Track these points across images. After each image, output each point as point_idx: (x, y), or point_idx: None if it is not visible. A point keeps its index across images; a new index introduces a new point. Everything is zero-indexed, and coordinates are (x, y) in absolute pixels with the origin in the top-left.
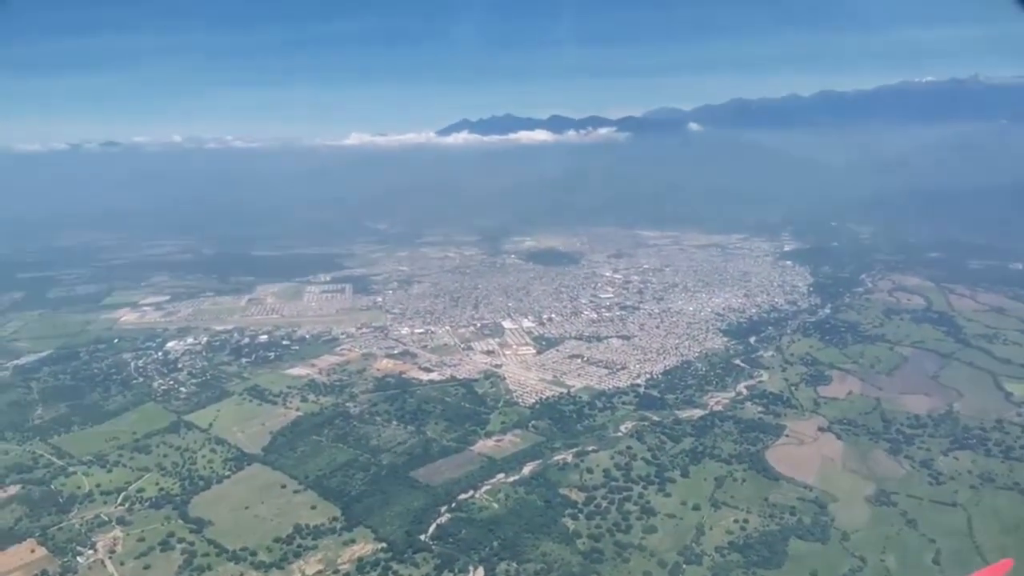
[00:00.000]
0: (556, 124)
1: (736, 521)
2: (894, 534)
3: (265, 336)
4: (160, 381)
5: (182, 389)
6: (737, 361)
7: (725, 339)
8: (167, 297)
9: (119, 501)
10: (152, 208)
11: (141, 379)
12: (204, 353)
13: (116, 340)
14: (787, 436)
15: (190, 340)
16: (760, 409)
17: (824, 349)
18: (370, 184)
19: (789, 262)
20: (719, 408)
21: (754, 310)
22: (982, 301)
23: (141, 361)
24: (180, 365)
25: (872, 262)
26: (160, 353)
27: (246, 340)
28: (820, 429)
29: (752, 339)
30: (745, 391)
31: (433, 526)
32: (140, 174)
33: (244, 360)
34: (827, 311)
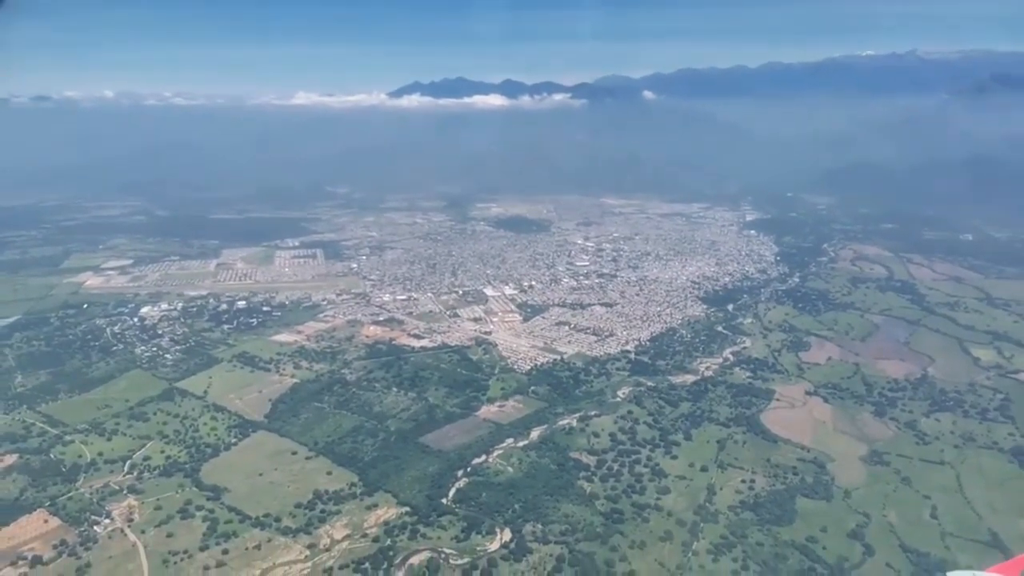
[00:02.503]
0: (510, 89)
1: (744, 481)
2: (891, 492)
3: (243, 302)
4: (142, 348)
5: (167, 356)
6: (719, 328)
7: (704, 306)
8: (130, 261)
9: (126, 470)
10: (95, 166)
11: (121, 345)
12: (182, 319)
13: (85, 305)
14: (778, 400)
15: (164, 306)
16: (749, 374)
17: (799, 316)
18: (324, 146)
19: (753, 232)
20: (710, 374)
21: (727, 278)
22: (939, 270)
23: (117, 327)
24: (160, 331)
25: (831, 232)
26: (135, 319)
27: (224, 306)
28: (807, 393)
29: (730, 306)
30: (732, 357)
31: (453, 490)
32: (78, 131)
33: (226, 326)
34: (796, 279)
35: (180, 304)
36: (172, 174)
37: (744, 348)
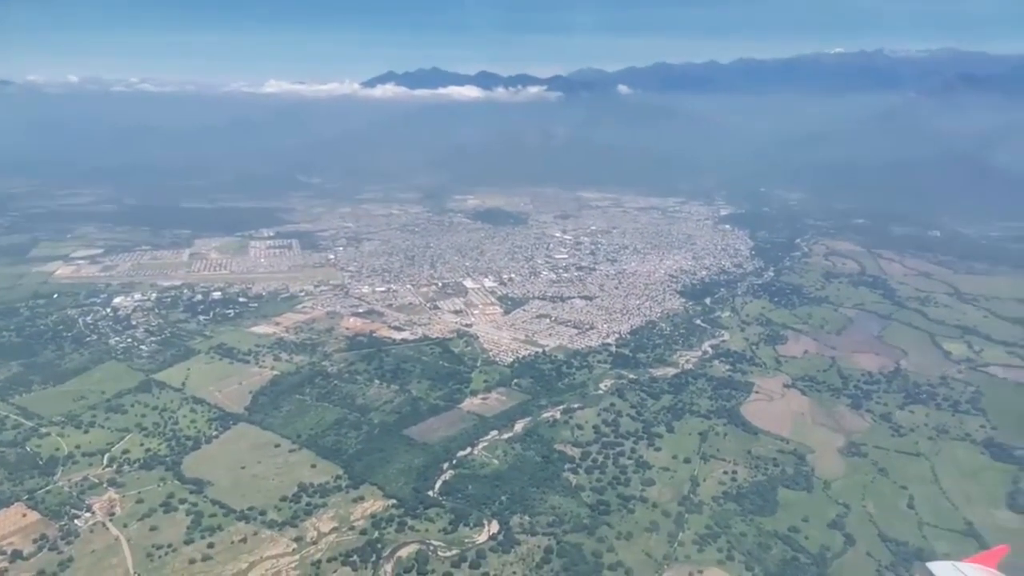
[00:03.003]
0: (485, 80)
1: (726, 473)
2: (869, 482)
3: (219, 293)
4: (117, 338)
5: (143, 347)
6: (698, 321)
7: (682, 300)
8: (100, 250)
9: (105, 463)
10: (61, 153)
11: (95, 336)
12: (156, 310)
13: (55, 295)
14: (757, 392)
15: (138, 296)
16: (728, 367)
17: (775, 310)
18: (297, 135)
19: (728, 226)
20: (690, 367)
21: (704, 272)
22: (909, 266)
23: (90, 317)
24: (134, 322)
25: (804, 227)
26: (108, 309)
27: (199, 296)
28: (785, 386)
29: (707, 300)
30: (711, 350)
31: (439, 482)
32: (42, 116)
33: (202, 317)
34: (771, 274)
35: (154, 294)
36: (141, 161)
37: (723, 341)
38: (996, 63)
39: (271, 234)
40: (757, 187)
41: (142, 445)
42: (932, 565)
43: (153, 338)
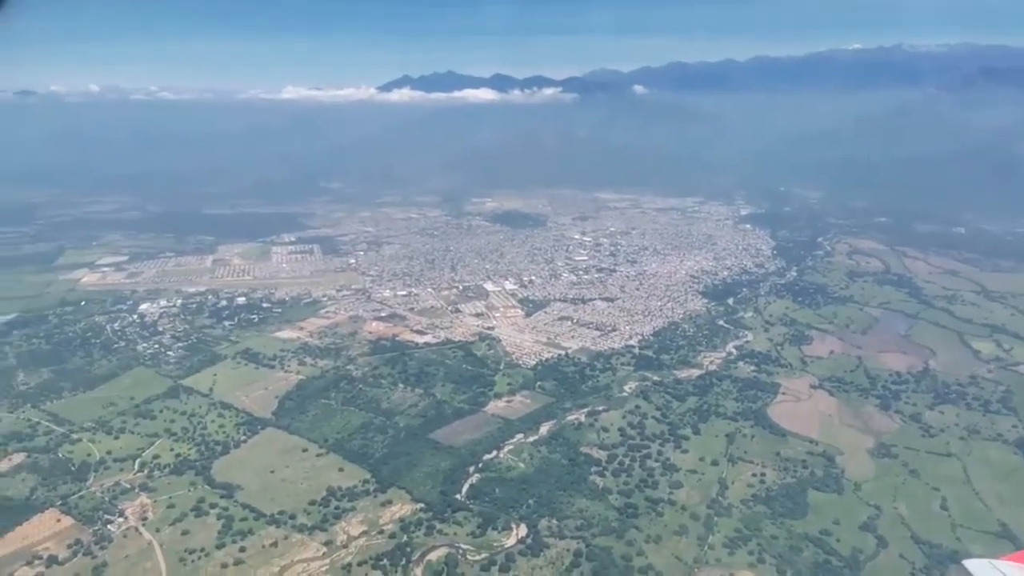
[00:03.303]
0: (500, 83)
1: (755, 475)
2: (900, 484)
3: (243, 298)
4: (144, 345)
5: (170, 353)
6: (720, 322)
7: (704, 300)
8: (125, 257)
9: (136, 468)
10: (84, 161)
11: (123, 343)
12: (182, 316)
13: (83, 302)
14: (783, 394)
15: (163, 302)
16: (753, 368)
17: (799, 310)
18: (315, 140)
19: (748, 226)
20: (714, 368)
21: (725, 272)
22: (934, 264)
23: (117, 324)
24: (160, 328)
25: (826, 226)
26: (135, 316)
27: (223, 302)
28: (812, 387)
29: (730, 300)
30: (735, 351)
31: (466, 486)
32: (65, 125)
33: (227, 323)
34: (794, 273)
35: (179, 300)
36: (162, 169)
37: (747, 342)
38: (1017, 56)
39: (292, 239)
40: (776, 186)
41: (172, 450)
42: (969, 563)
43: (180, 344)
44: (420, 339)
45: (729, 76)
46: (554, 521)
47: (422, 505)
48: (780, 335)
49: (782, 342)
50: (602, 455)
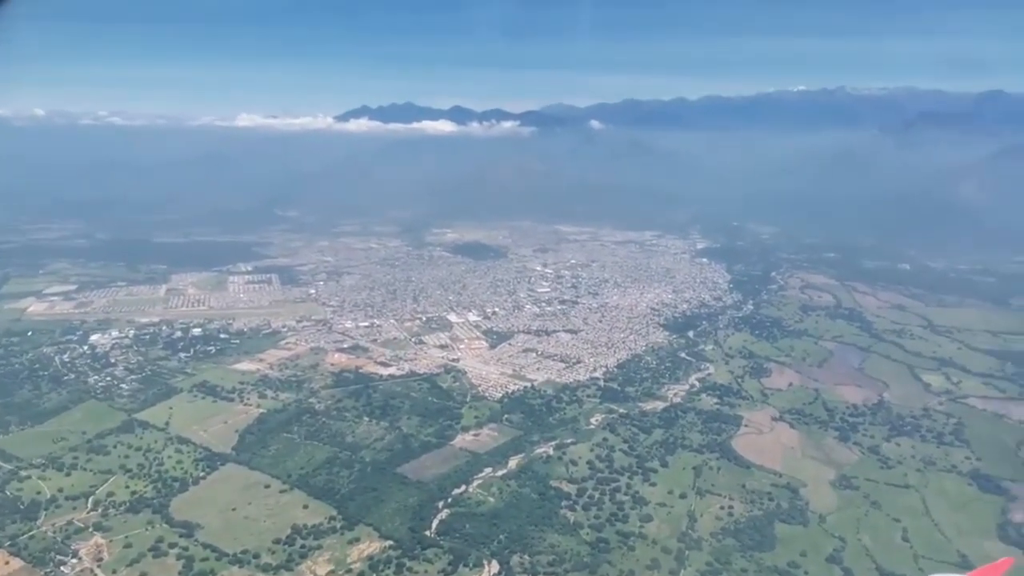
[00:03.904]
0: (459, 115)
1: (722, 508)
2: (863, 515)
3: (199, 329)
4: (95, 377)
5: (123, 386)
6: (682, 354)
7: (666, 333)
8: (74, 286)
9: (90, 506)
10: (30, 187)
11: (73, 375)
12: (135, 347)
13: (30, 333)
14: (746, 426)
15: (115, 333)
16: (716, 401)
17: (757, 343)
18: (271, 169)
19: (705, 260)
20: (678, 400)
21: (685, 305)
22: (882, 299)
23: (66, 356)
24: (112, 360)
25: (778, 261)
26: (85, 347)
27: (178, 333)
28: (773, 419)
29: (690, 333)
30: (697, 383)
31: (436, 521)
32: (9, 149)
33: (183, 355)
34: (750, 307)
35: (132, 331)
36: (112, 195)
37: (708, 374)
38: (954, 101)
39: (249, 269)
40: (730, 221)
41: (127, 487)
42: None
43: (133, 376)
44: (384, 371)
45: (681, 114)
46: (526, 557)
47: (391, 542)
48: (740, 367)
49: (742, 374)
50: (572, 489)
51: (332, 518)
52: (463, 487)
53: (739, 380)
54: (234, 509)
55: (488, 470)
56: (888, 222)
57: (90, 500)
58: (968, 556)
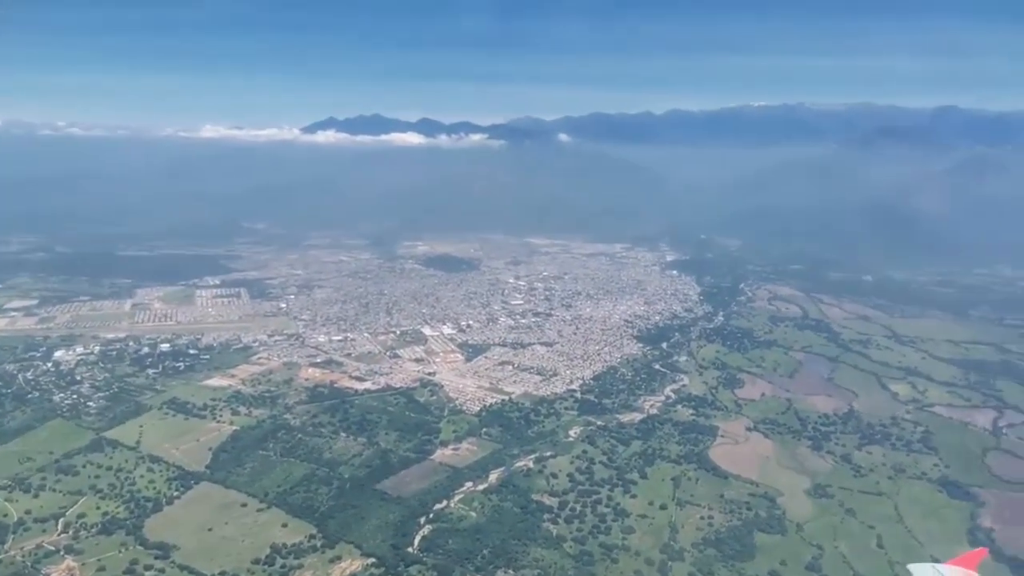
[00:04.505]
0: (427, 127)
1: (702, 518)
2: (839, 523)
3: (167, 345)
4: (61, 395)
5: (90, 404)
6: (657, 366)
7: (640, 345)
8: (35, 301)
9: (60, 528)
10: None
11: (37, 393)
12: (101, 363)
13: None
14: (722, 436)
15: (80, 349)
16: (691, 412)
17: (729, 354)
18: (237, 180)
19: (675, 272)
20: (654, 411)
21: (657, 317)
22: (848, 309)
23: (30, 373)
24: (78, 377)
25: (746, 273)
26: (49, 364)
27: (145, 349)
28: (748, 429)
29: (664, 345)
30: (673, 395)
31: (418, 538)
32: None
33: (151, 371)
34: (721, 318)
35: (97, 347)
36: (73, 208)
37: (683, 386)
38: (909, 116)
39: (217, 282)
40: (697, 234)
41: (99, 508)
42: (913, 567)
43: (100, 394)
44: (359, 386)
45: (647, 128)
46: (511, 572)
47: (373, 560)
48: (714, 378)
49: (716, 385)
50: (553, 502)
51: (312, 536)
52: (444, 502)
53: (713, 391)
54: (210, 529)
55: (469, 484)
56: (850, 235)
57: (60, 522)
58: (941, 560)
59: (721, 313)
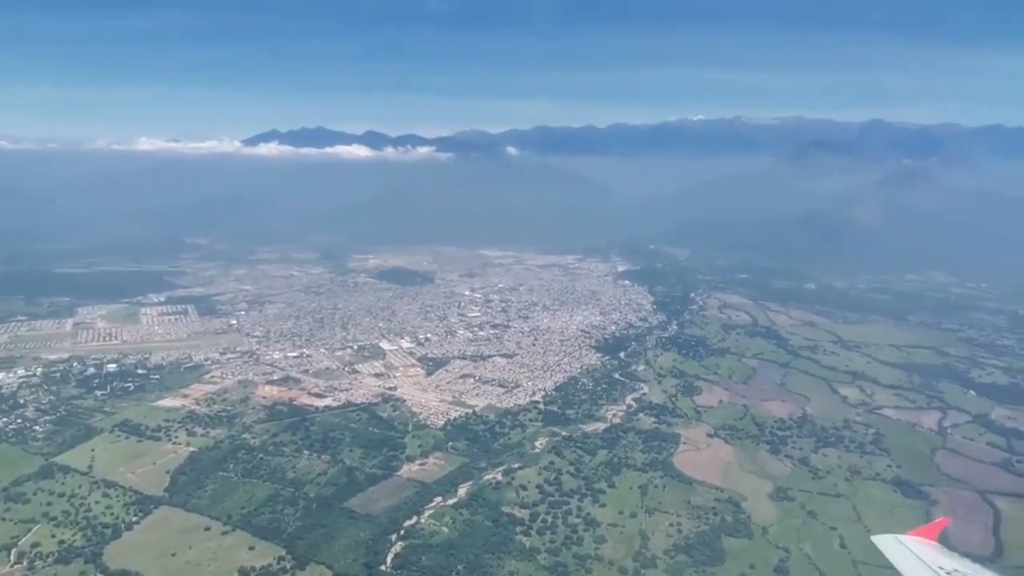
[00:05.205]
0: (373, 140)
1: (671, 525)
2: (801, 525)
3: (113, 365)
4: (4, 419)
5: (36, 428)
6: (616, 375)
7: (598, 355)
8: None
9: (13, 559)
10: None
11: None
12: (44, 386)
13: None
14: (684, 443)
15: (21, 371)
16: (653, 420)
17: (685, 362)
18: (177, 194)
19: (627, 282)
20: (617, 421)
21: (613, 327)
22: (794, 316)
23: None
24: (21, 400)
25: (696, 282)
26: None
27: (91, 370)
28: (708, 435)
29: (622, 354)
30: (634, 403)
31: (390, 555)
32: None
33: (99, 392)
34: (675, 327)
35: (39, 369)
36: (1, 223)
37: (644, 394)
38: (841, 130)
39: (162, 299)
40: (646, 244)
41: (54, 536)
42: (877, 539)
43: (47, 417)
44: (319, 402)
45: (591, 140)
46: None
47: None
48: (672, 386)
49: (675, 393)
50: (524, 514)
51: (281, 558)
52: (414, 518)
53: (673, 399)
54: (174, 554)
55: (438, 499)
56: (791, 244)
57: (12, 552)
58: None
59: (675, 322)
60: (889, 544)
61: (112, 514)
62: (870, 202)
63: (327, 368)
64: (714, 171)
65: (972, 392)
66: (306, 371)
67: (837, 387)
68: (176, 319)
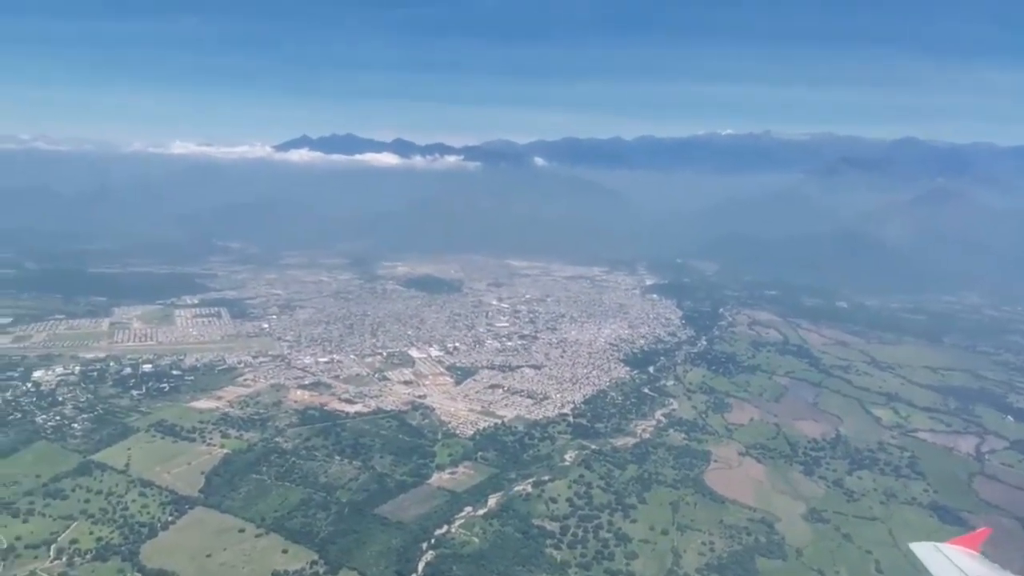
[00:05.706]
0: (402, 148)
1: (704, 543)
2: (836, 548)
3: (149, 365)
4: (43, 416)
5: (74, 425)
6: (645, 390)
7: (627, 368)
8: (9, 319)
9: (53, 555)
10: None
11: (18, 414)
12: (82, 384)
13: None
14: (715, 461)
15: (60, 369)
16: (683, 436)
17: (716, 378)
18: (209, 198)
19: (655, 296)
20: (647, 436)
21: (642, 341)
22: (826, 335)
23: (9, 393)
24: (60, 398)
25: (724, 298)
26: (29, 384)
27: (127, 370)
28: (740, 454)
29: (651, 368)
30: (664, 419)
31: (421, 563)
32: None
33: (135, 392)
34: (704, 343)
35: (77, 368)
36: (39, 223)
37: (673, 410)
38: (871, 147)
39: (195, 301)
40: (673, 258)
41: (91, 534)
42: (915, 546)
43: (84, 415)
44: (350, 408)
45: (619, 153)
46: None
47: None
48: (702, 403)
49: (705, 410)
50: (555, 527)
51: (314, 563)
52: (445, 527)
53: (703, 415)
54: (209, 555)
55: (468, 509)
56: (821, 261)
57: (52, 548)
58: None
59: (704, 337)
60: (927, 552)
61: (148, 513)
62: (902, 220)
63: (357, 374)
64: (742, 186)
65: (1010, 418)
66: (337, 376)
67: (871, 408)
68: (209, 321)
